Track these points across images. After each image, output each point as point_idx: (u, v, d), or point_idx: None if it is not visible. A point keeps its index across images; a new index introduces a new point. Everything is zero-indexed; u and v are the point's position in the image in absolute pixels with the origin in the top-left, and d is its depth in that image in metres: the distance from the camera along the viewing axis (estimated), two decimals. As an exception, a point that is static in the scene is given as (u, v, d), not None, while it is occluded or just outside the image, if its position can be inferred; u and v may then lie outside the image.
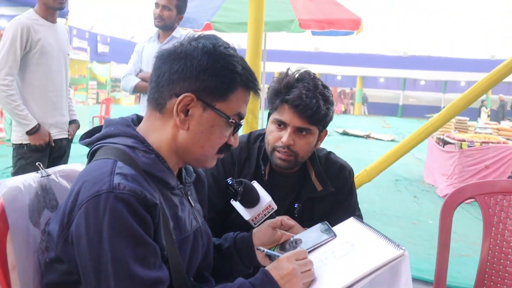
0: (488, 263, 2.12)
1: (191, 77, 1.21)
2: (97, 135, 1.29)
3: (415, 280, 4.17)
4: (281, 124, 1.79)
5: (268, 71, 9.02)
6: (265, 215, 1.60)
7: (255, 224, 1.60)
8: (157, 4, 4.02)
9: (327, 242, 1.44)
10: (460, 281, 4.13)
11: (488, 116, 23.31)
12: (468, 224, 6.08)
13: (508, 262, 2.08)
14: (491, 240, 2.12)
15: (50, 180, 1.43)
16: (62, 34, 3.55)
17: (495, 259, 2.11)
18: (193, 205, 1.38)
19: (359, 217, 1.98)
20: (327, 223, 1.54)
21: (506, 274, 2.07)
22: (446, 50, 31.07)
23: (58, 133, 3.52)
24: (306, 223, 1.87)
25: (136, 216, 1.10)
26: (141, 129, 1.30)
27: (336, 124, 20.31)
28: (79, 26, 25.27)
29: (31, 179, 1.37)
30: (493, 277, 2.11)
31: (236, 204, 1.61)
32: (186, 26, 6.78)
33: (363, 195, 6.97)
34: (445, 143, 8.12)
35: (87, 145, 1.31)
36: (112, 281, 1.08)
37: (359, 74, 34.54)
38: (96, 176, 1.14)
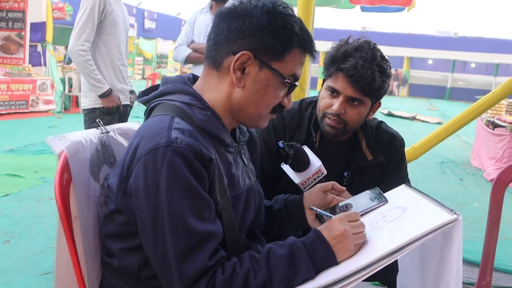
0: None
1: (249, 35, 1.23)
2: (154, 92, 1.33)
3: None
4: (334, 92, 1.79)
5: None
6: (314, 179, 1.61)
7: (304, 188, 1.61)
8: None
9: (378, 207, 1.44)
10: (506, 264, 4.05)
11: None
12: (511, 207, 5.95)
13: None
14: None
15: (109, 137, 1.48)
16: (125, 9, 3.82)
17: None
18: (246, 163, 1.41)
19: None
20: (378, 189, 1.53)
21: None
22: (498, 31, 30.06)
23: (124, 99, 3.74)
24: (355, 192, 1.86)
25: (192, 170, 1.14)
26: (197, 87, 1.33)
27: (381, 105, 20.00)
28: (127, 1, 25.61)
29: (92, 134, 1.42)
30: None
31: (287, 168, 1.62)
32: None
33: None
34: (495, 126, 7.90)
35: (144, 103, 1.35)
36: (168, 231, 1.12)
37: (406, 54, 33.81)
38: (155, 130, 1.17)
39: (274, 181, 1.88)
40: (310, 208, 1.51)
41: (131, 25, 26.00)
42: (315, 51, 1.31)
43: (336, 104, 1.78)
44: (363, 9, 7.22)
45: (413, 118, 16.62)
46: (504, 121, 7.53)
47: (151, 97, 1.33)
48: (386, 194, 1.50)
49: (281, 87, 1.28)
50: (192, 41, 4.20)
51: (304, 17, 3.82)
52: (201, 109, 1.27)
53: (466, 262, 4.03)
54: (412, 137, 11.80)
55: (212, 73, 1.30)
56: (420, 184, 6.87)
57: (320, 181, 1.63)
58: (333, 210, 1.52)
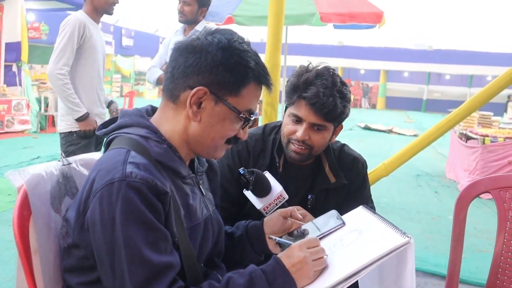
0: (502, 258, 2.13)
1: (205, 71, 1.26)
2: (112, 125, 1.35)
3: (433, 275, 4.18)
4: (297, 119, 1.83)
5: (290, 65, 9.05)
6: (276, 204, 1.64)
7: (266, 213, 1.65)
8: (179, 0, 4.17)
9: (336, 230, 1.48)
10: (478, 277, 4.11)
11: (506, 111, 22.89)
12: (489, 220, 6.03)
13: (522, 257, 2.08)
14: (506, 234, 2.13)
15: (71, 168, 1.49)
16: (102, 35, 3.91)
17: (510, 254, 2.11)
18: (204, 193, 1.44)
19: (372, 208, 2.01)
20: (336, 211, 1.57)
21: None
22: (472, 44, 30.65)
23: (100, 122, 3.70)
24: (319, 214, 1.90)
25: (147, 204, 1.16)
26: (154, 119, 1.35)
27: (358, 119, 20.22)
28: (104, 20, 25.47)
29: (53, 167, 1.44)
30: (506, 272, 2.12)
31: (248, 194, 1.66)
32: (208, 19, 6.83)
33: (383, 189, 6.97)
34: (468, 138, 8.04)
35: (103, 135, 1.37)
36: (125, 265, 1.14)
37: (382, 68, 34.24)
38: (110, 165, 1.20)
39: (240, 205, 1.91)
40: (269, 237, 1.54)
41: (108, 43, 25.96)
42: (271, 84, 1.35)
43: (300, 131, 1.82)
44: (336, 26, 7.36)
45: (390, 131, 16.80)
46: (476, 134, 7.67)
47: (109, 130, 1.35)
48: (344, 217, 1.54)
49: (236, 121, 1.32)
50: (166, 63, 4.25)
51: (274, 36, 3.88)
52: (157, 142, 1.29)
53: (441, 276, 4.08)
54: (388, 150, 11.93)
55: (169, 106, 1.33)
56: (395, 198, 6.95)
57: (282, 206, 1.66)
58: (291, 234, 1.56)
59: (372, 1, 7.20)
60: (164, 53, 4.35)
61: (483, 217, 6.20)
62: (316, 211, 1.88)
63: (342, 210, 1.96)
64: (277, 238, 1.49)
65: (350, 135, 14.31)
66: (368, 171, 2.08)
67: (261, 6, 6.36)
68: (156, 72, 4.26)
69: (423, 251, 4.72)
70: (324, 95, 1.76)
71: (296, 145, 1.83)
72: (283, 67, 6.98)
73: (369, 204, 2.01)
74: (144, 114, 1.37)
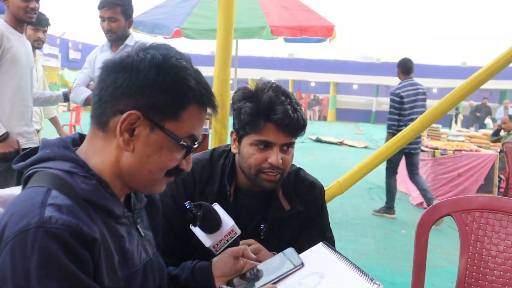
0: (465, 284, 2.02)
1: (137, 93, 1.07)
2: (31, 158, 1.14)
3: (391, 294, 4.09)
4: (266, 144, 1.66)
5: (241, 77, 8.91)
6: (227, 240, 1.47)
7: (216, 251, 1.46)
8: (102, 18, 3.75)
9: (294, 271, 1.31)
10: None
11: (456, 123, 23.51)
12: (442, 234, 6.03)
13: (486, 283, 1.98)
14: (468, 259, 2.02)
15: (-17, 207, 1.26)
16: (28, 46, 3.52)
17: (473, 280, 2.01)
18: (143, 234, 1.24)
19: (330, 238, 1.86)
20: (293, 249, 1.40)
21: (484, 296, 1.97)
22: (418, 57, 31.55)
23: (25, 143, 3.41)
24: (273, 245, 1.74)
25: (70, 254, 0.96)
26: (82, 150, 1.15)
27: (309, 131, 20.30)
28: (50, 32, 24.77)
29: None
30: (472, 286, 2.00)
31: (196, 230, 1.47)
32: (156, 33, 6.63)
33: (335, 204, 6.88)
34: (418, 150, 8.09)
35: (21, 170, 1.16)
36: None
37: (332, 80, 34.66)
38: (25, 207, 0.99)
39: (186, 239, 1.72)
40: (219, 287, 1.36)
41: (54, 56, 25.22)
42: (216, 105, 1.18)
43: (273, 156, 1.65)
44: (286, 40, 7.27)
45: (341, 143, 16.91)
46: (426, 146, 7.72)
47: (27, 163, 1.14)
48: (303, 255, 1.37)
49: (177, 149, 1.13)
50: (92, 80, 3.95)
51: (224, 50, 3.73)
52: (85, 177, 1.09)
53: (396, 295, 3.99)
54: (340, 163, 11.96)
55: (98, 134, 1.13)
56: (349, 213, 6.89)
57: (234, 241, 1.48)
58: (244, 276, 1.38)
59: (321, 15, 7.17)
60: (90, 70, 3.96)
61: (435, 231, 6.18)
62: (270, 242, 1.72)
63: (299, 241, 1.81)
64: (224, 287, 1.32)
65: (302, 148, 14.29)
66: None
67: (210, 19, 6.20)
68: (83, 92, 3.84)
69: (378, 268, 4.63)
70: (293, 112, 1.62)
71: (270, 174, 1.67)
72: (233, 80, 6.83)
73: (327, 233, 1.86)
74: (69, 144, 1.16)
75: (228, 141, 2.00)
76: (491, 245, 2.00)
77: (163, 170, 1.14)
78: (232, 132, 1.76)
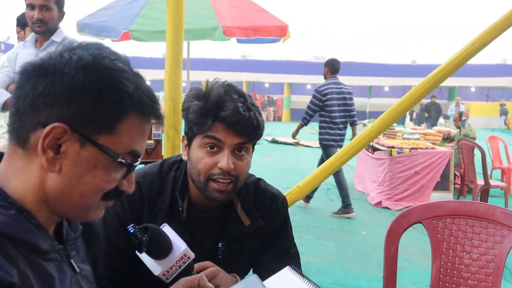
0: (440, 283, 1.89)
1: (62, 101, 0.87)
2: None
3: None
4: (214, 147, 1.48)
5: (194, 80, 8.66)
6: (179, 266, 1.28)
7: (167, 279, 1.27)
8: (31, 6, 3.24)
9: None
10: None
11: (412, 120, 23.94)
12: (403, 235, 5.99)
13: (461, 287, 1.86)
14: (441, 269, 1.90)
15: None
16: None
17: (447, 284, 1.89)
18: (78, 270, 1.04)
19: (295, 254, 1.70)
20: (257, 277, 1.23)
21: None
22: (369, 56, 32.08)
23: None
24: (233, 265, 1.57)
25: None
26: None
27: (265, 132, 20.16)
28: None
29: None
30: None
31: (143, 256, 1.28)
32: (103, 35, 6.35)
33: (294, 206, 6.75)
34: (375, 149, 8.07)
35: None
36: None
37: (286, 81, 34.71)
38: None
39: (135, 263, 1.52)
40: None
41: None
42: (161, 115, 0.99)
43: (223, 159, 1.46)
44: (239, 41, 7.11)
45: (297, 144, 16.86)
46: (383, 145, 7.70)
47: None
48: (267, 283, 1.20)
49: (115, 168, 0.94)
50: (14, 80, 3.53)
51: (174, 51, 3.53)
52: (1, 207, 0.89)
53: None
54: (296, 164, 11.88)
55: (18, 152, 0.92)
56: (307, 215, 6.77)
57: (187, 267, 1.30)
58: None
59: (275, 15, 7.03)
60: (10, 70, 3.45)
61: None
62: (229, 262, 1.56)
63: (261, 260, 1.64)
64: None
65: (258, 149, 14.12)
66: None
67: (159, 21, 5.94)
68: (1, 95, 3.34)
69: (341, 273, 4.51)
70: (244, 110, 1.45)
71: (220, 181, 1.48)
72: (186, 82, 6.62)
73: (291, 249, 1.70)
74: None
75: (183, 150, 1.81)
76: (464, 253, 1.89)
77: (99, 193, 0.94)
78: (183, 137, 1.58)
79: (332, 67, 6.92)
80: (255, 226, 1.60)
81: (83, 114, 0.88)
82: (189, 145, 1.54)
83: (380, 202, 7.37)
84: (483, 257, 1.85)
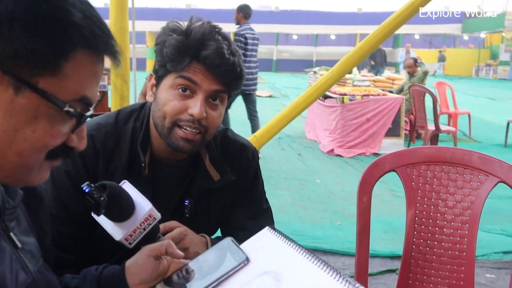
0: (413, 246, 1.81)
1: None
2: None
3: (312, 250, 3.92)
4: (187, 90, 1.28)
5: (138, 30, 8.28)
6: (144, 229, 1.11)
7: (130, 243, 1.10)
8: None
9: (237, 271, 0.99)
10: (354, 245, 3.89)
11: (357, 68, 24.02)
12: (354, 180, 6.01)
13: (436, 243, 1.79)
14: (416, 218, 1.81)
15: None
16: None
17: (421, 240, 1.81)
18: (19, 245, 0.85)
19: (268, 210, 1.57)
20: (232, 239, 1.07)
21: (433, 254, 1.78)
22: (315, 4, 31.91)
23: None
24: (201, 224, 1.42)
25: None
26: None
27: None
28: None
29: None
30: (420, 248, 1.80)
31: (101, 219, 1.10)
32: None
33: (248, 157, 6.65)
34: (326, 97, 8.00)
35: None
36: None
37: (232, 30, 34.14)
38: None
39: (90, 227, 1.35)
40: None
41: None
42: (117, 52, 0.79)
43: (195, 105, 1.27)
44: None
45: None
46: (334, 93, 7.62)
47: None
48: (245, 247, 1.05)
49: (61, 119, 0.74)
50: None
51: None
52: None
53: (320, 251, 3.81)
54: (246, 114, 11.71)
55: None
56: (261, 165, 6.67)
57: (153, 229, 1.13)
58: (170, 281, 1.04)
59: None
60: None
61: (348, 177, 6.15)
62: (197, 221, 1.40)
63: (233, 218, 1.50)
64: None
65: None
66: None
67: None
68: None
69: (298, 222, 4.46)
70: (229, 53, 1.27)
71: (188, 129, 1.29)
72: (131, 33, 6.27)
73: (263, 204, 1.56)
74: None
75: (131, 101, 1.60)
76: (440, 200, 1.80)
77: (42, 152, 0.75)
78: (150, 76, 1.37)
79: (246, 12, 7.00)
80: (225, 181, 1.44)
81: (17, 51, 0.68)
82: (157, 85, 1.34)
83: (332, 150, 7.36)
84: (459, 205, 1.77)
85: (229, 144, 1.49)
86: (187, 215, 1.41)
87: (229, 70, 1.27)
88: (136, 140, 1.37)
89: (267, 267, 0.96)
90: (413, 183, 1.82)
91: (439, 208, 1.79)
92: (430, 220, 1.80)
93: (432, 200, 1.80)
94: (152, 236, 1.13)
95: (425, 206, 1.81)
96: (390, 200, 5.03)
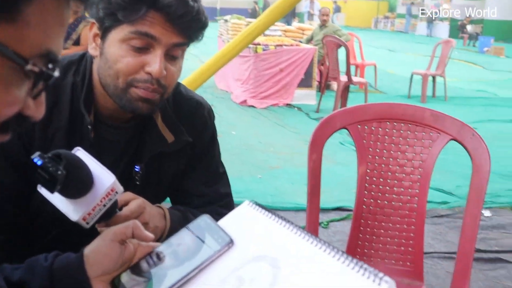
0: (364, 206, 1.75)
1: None
2: None
3: (235, 204, 3.83)
4: (144, 44, 1.08)
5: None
6: (104, 205, 0.92)
7: (88, 223, 0.92)
8: None
9: (219, 255, 0.84)
10: (277, 199, 3.86)
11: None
12: (269, 130, 5.98)
13: (386, 202, 1.74)
14: (367, 177, 1.75)
15: None
16: None
17: (372, 200, 1.75)
18: None
19: (224, 175, 1.42)
20: (209, 217, 0.91)
21: (383, 213, 1.74)
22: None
23: None
24: (153, 192, 1.25)
25: None
26: None
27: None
28: None
29: None
30: (371, 200, 1.74)
31: (53, 197, 0.90)
32: None
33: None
34: (238, 47, 7.81)
35: None
36: None
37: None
38: None
39: (26, 201, 1.14)
40: None
41: None
42: None
43: (154, 63, 1.08)
44: None
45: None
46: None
47: None
48: (224, 223, 0.90)
49: (19, 81, 0.54)
50: None
51: None
52: None
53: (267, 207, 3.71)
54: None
55: None
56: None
57: (113, 205, 0.95)
58: (138, 267, 0.87)
59: None
60: None
61: (263, 129, 6.11)
62: (149, 190, 1.23)
63: (185, 184, 1.34)
64: None
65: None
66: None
67: None
68: None
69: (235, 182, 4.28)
70: (192, 0, 1.08)
71: (147, 89, 1.10)
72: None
73: (219, 168, 1.41)
74: None
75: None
76: (391, 158, 1.74)
77: None
78: (92, 24, 1.14)
79: None
80: (180, 143, 1.26)
81: None
82: (103, 36, 1.12)
83: (245, 101, 7.27)
84: (411, 163, 1.72)
85: (183, 101, 1.31)
86: (137, 183, 1.23)
87: (194, 20, 1.09)
88: (78, 98, 1.16)
89: (257, 251, 0.81)
90: (364, 140, 1.74)
91: (390, 166, 1.74)
92: (381, 179, 1.74)
93: (384, 158, 1.74)
94: (111, 212, 0.95)
95: (376, 164, 1.74)
96: (306, 151, 5.03)
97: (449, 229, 3.31)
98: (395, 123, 1.74)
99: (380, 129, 1.74)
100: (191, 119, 1.30)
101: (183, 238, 0.88)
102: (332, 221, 3.36)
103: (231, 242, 0.84)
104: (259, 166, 4.67)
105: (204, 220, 0.90)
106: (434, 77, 8.30)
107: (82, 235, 0.94)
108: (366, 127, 1.74)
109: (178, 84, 1.31)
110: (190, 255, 0.84)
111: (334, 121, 1.75)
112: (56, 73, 0.57)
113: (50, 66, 0.56)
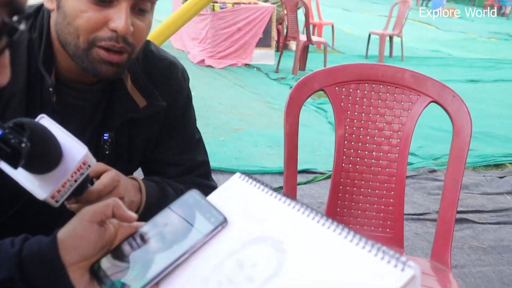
0: (343, 172, 1.69)
1: None
2: None
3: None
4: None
5: None
6: (75, 180, 0.81)
7: (57, 201, 0.81)
8: None
9: (212, 237, 0.75)
10: (242, 162, 3.78)
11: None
12: (230, 91, 5.86)
13: (364, 167, 1.68)
14: (345, 142, 1.68)
15: None
16: None
17: (350, 165, 1.69)
18: None
19: (200, 141, 1.31)
20: (197, 192, 0.81)
21: (362, 178, 1.68)
22: None
23: None
24: (124, 163, 1.15)
25: None
26: None
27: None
28: None
29: None
30: (351, 158, 1.68)
31: (17, 172, 0.78)
32: None
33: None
34: (194, 4, 7.56)
35: None
36: None
37: None
38: None
39: None
40: None
41: None
42: None
43: (119, 18, 0.94)
44: None
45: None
46: None
47: None
48: (215, 201, 0.80)
49: None
50: None
51: None
52: None
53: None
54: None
55: None
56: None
57: (85, 179, 0.84)
58: (120, 251, 0.77)
59: None
60: None
61: (223, 90, 5.98)
62: (119, 160, 1.12)
63: (159, 152, 1.23)
64: None
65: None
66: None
67: None
68: None
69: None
70: None
71: (112, 49, 0.97)
72: None
73: (196, 134, 1.30)
74: None
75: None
76: (370, 122, 1.67)
77: None
78: None
79: None
80: (154, 108, 1.15)
81: None
82: None
83: (202, 61, 7.09)
84: (390, 126, 1.66)
85: (155, 61, 1.19)
86: (106, 152, 1.11)
87: None
88: (35, 57, 1.02)
89: (256, 231, 0.73)
90: (342, 103, 1.67)
91: (369, 130, 1.68)
92: (359, 144, 1.68)
93: (362, 122, 1.67)
94: (81, 188, 0.84)
95: (354, 128, 1.68)
96: (268, 113, 4.95)
97: (414, 191, 3.30)
98: (373, 85, 1.66)
99: (358, 91, 1.67)
100: (165, 82, 1.18)
101: (170, 217, 0.78)
102: (299, 184, 3.30)
103: (225, 221, 0.75)
104: (222, 128, 4.56)
105: (193, 196, 0.80)
106: (391, 37, 8.30)
107: (50, 213, 0.83)
108: (343, 89, 1.66)
109: (148, 42, 1.18)
110: (179, 237, 0.75)
111: (312, 83, 1.66)
112: (22, 26, 0.46)
113: (15, 18, 0.45)
